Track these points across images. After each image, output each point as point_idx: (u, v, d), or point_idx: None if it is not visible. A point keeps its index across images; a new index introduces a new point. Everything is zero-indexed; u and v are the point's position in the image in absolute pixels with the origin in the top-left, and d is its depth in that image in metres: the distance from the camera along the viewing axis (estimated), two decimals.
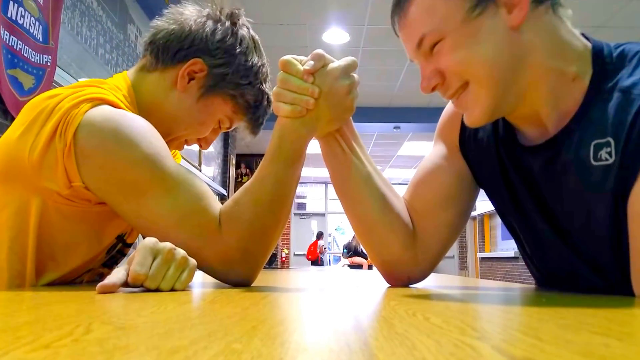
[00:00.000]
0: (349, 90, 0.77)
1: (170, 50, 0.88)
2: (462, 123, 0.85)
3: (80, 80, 0.88)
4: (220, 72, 0.89)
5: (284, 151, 0.78)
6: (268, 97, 0.95)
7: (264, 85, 0.94)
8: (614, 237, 0.67)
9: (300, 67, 0.75)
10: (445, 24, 0.70)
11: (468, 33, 0.69)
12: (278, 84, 0.76)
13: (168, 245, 0.63)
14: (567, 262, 0.76)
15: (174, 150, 1.10)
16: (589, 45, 0.72)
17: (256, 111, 0.95)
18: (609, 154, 0.65)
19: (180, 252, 0.65)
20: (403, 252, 0.85)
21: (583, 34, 0.74)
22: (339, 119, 0.80)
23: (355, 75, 0.79)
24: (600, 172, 0.66)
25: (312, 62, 0.75)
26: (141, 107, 0.88)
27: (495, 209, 0.88)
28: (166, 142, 0.88)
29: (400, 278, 0.88)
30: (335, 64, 0.77)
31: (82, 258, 0.83)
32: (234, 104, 0.93)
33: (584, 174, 0.68)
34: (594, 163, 0.67)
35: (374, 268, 1.01)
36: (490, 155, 0.82)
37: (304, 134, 0.78)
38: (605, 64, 0.69)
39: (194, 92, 0.90)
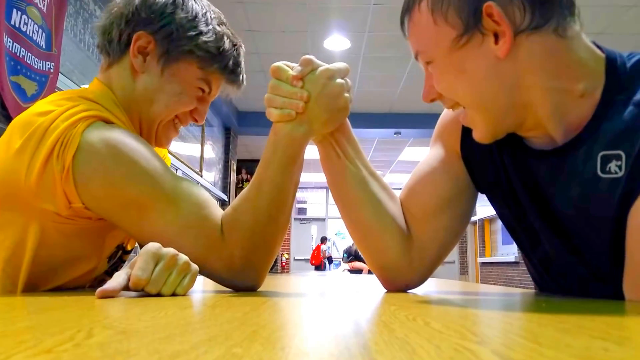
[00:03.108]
0: (340, 91, 0.78)
1: (113, 39, 0.86)
2: (463, 128, 0.85)
3: (83, 87, 0.87)
4: (165, 34, 0.84)
5: (279, 156, 0.78)
6: (231, 39, 0.90)
7: (218, 27, 0.88)
8: (613, 247, 0.67)
9: (290, 73, 0.77)
10: (434, 49, 0.72)
11: (454, 61, 0.70)
12: (269, 90, 0.77)
13: (171, 251, 0.63)
14: (569, 266, 0.76)
15: (164, 154, 1.09)
16: (602, 55, 0.70)
17: (222, 58, 0.88)
18: (619, 167, 0.65)
19: (183, 257, 0.65)
20: (399, 257, 0.85)
21: (594, 42, 0.72)
22: (334, 120, 0.81)
23: (348, 81, 0.80)
24: (607, 185, 0.66)
25: (299, 68, 0.77)
26: (122, 106, 0.86)
27: (497, 213, 0.88)
28: (158, 129, 0.89)
29: (398, 283, 0.88)
30: (325, 66, 0.78)
31: (82, 270, 0.83)
32: (197, 60, 0.86)
33: (589, 185, 0.68)
34: (601, 175, 0.66)
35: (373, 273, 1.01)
36: (493, 160, 0.82)
37: (297, 137, 0.78)
38: (618, 75, 0.68)
39: (155, 67, 0.85)
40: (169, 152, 1.09)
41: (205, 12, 0.87)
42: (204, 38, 0.85)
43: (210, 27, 0.86)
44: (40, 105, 0.76)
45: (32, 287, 0.77)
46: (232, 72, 0.90)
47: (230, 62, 0.89)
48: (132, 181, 0.74)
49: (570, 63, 0.69)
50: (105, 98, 0.83)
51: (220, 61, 0.88)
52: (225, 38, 0.88)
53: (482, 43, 0.67)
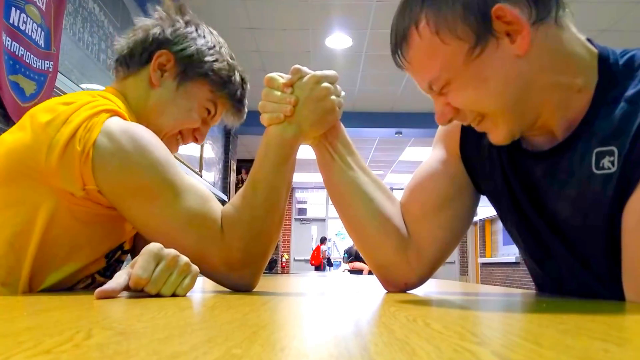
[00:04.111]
0: (326, 94, 0.83)
1: (136, 54, 0.94)
2: (462, 129, 0.86)
3: (82, 86, 0.91)
4: (186, 55, 0.94)
5: (271, 156, 0.83)
6: (240, 74, 1.00)
7: (231, 60, 0.99)
8: (609, 245, 0.67)
9: (281, 82, 0.83)
10: (448, 69, 0.69)
11: (473, 73, 0.68)
12: (262, 97, 0.84)
13: (172, 252, 0.64)
14: (569, 267, 0.76)
15: None
16: (595, 51, 0.71)
17: (232, 86, 0.98)
18: (612, 163, 0.65)
19: (184, 258, 0.65)
20: (396, 256, 0.86)
21: (588, 39, 0.72)
22: (323, 122, 0.85)
23: (338, 86, 0.86)
24: (601, 181, 0.66)
25: (289, 76, 0.83)
26: (134, 114, 0.92)
27: (497, 213, 0.88)
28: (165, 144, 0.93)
29: (397, 284, 0.88)
30: (313, 73, 0.84)
31: (83, 261, 0.84)
32: (209, 82, 0.95)
33: (585, 182, 0.68)
34: (595, 171, 0.67)
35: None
36: (492, 161, 0.82)
37: (287, 138, 0.83)
38: (611, 72, 0.69)
39: (171, 83, 0.94)
40: None
41: (222, 46, 0.99)
42: (219, 65, 0.96)
43: (225, 57, 0.98)
44: (61, 98, 0.82)
45: (36, 271, 0.78)
46: (239, 101, 1.00)
47: (239, 92, 0.99)
48: (146, 169, 0.78)
49: (570, 56, 0.69)
50: (117, 101, 0.88)
51: (230, 88, 0.98)
52: (236, 70, 0.99)
53: (498, 46, 0.67)
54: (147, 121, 0.91)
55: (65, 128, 0.74)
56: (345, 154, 0.88)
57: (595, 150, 0.67)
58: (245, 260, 0.82)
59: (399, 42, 0.73)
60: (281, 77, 0.84)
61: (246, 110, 1.04)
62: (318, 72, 0.84)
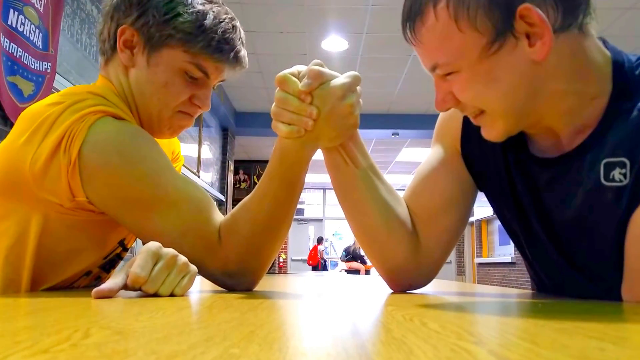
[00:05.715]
0: (351, 111, 0.73)
1: (106, 39, 0.86)
2: (463, 127, 0.84)
3: (79, 85, 0.87)
4: (143, 22, 0.82)
5: (283, 171, 0.77)
6: (216, 15, 0.84)
7: (201, 6, 0.83)
8: (616, 256, 0.66)
9: (298, 85, 0.70)
10: (460, 59, 0.65)
11: (484, 69, 0.64)
12: (276, 102, 0.71)
13: (171, 251, 0.64)
14: (567, 275, 0.76)
15: (177, 152, 1.10)
16: (609, 55, 0.68)
17: (205, 36, 0.82)
18: (624, 175, 0.64)
19: (182, 258, 0.65)
20: (407, 260, 0.84)
21: (600, 38, 0.70)
22: (342, 136, 0.77)
23: (358, 88, 0.75)
24: (611, 193, 0.65)
25: (308, 82, 0.69)
26: (125, 103, 0.86)
27: (496, 213, 0.88)
28: (162, 122, 0.87)
29: (404, 284, 0.87)
30: (338, 82, 0.71)
31: (83, 264, 0.83)
32: (180, 43, 0.82)
33: (592, 193, 0.67)
34: (605, 183, 0.65)
35: (372, 273, 1.01)
36: (497, 161, 0.80)
37: (304, 155, 0.76)
38: (626, 81, 0.66)
39: (142, 59, 0.84)
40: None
41: None
42: (181, 19, 0.81)
43: (190, 7, 0.82)
44: (52, 97, 0.78)
45: (35, 279, 0.78)
46: (217, 50, 0.84)
47: (214, 40, 0.83)
48: (136, 181, 0.75)
49: (588, 64, 0.67)
50: (110, 93, 0.83)
51: (203, 40, 0.82)
52: (209, 15, 0.83)
53: (516, 47, 0.63)
54: (137, 108, 0.86)
55: (49, 138, 0.71)
56: (358, 156, 0.82)
57: (603, 161, 0.66)
58: (242, 270, 0.81)
59: (413, 16, 0.67)
60: (296, 79, 0.71)
61: (238, 53, 0.87)
62: (342, 84, 0.71)
